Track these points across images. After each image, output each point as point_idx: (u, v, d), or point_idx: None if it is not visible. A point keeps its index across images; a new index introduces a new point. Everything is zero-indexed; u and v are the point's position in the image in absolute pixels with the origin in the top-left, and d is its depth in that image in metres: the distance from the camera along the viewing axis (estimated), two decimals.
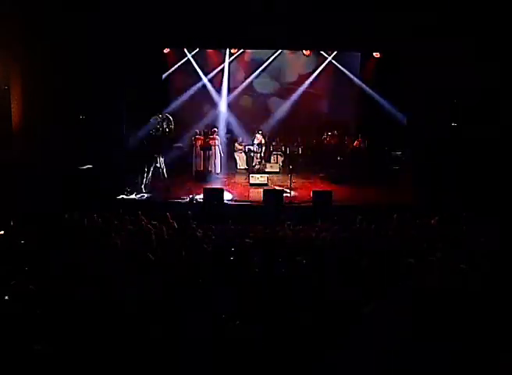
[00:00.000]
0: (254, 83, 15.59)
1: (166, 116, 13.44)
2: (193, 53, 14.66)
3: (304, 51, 14.82)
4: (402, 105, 12.91)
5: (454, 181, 11.46)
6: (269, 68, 15.46)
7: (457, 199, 10.79)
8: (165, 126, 13.28)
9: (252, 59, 15.38)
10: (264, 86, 15.73)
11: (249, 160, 15.03)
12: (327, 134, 15.11)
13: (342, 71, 14.90)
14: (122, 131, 12.10)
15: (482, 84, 10.85)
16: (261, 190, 12.16)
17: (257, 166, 14.69)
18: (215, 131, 14.66)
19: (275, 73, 15.63)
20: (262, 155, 14.87)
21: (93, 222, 8.69)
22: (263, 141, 14.85)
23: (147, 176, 12.91)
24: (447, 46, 10.83)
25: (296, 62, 15.49)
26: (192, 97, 14.85)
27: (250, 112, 15.63)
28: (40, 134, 10.81)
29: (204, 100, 15.22)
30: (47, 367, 3.61)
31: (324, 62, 15.21)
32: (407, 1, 11.02)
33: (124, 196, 12.05)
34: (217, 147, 14.65)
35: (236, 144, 15.41)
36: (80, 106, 11.63)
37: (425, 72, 11.62)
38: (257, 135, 14.85)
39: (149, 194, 12.44)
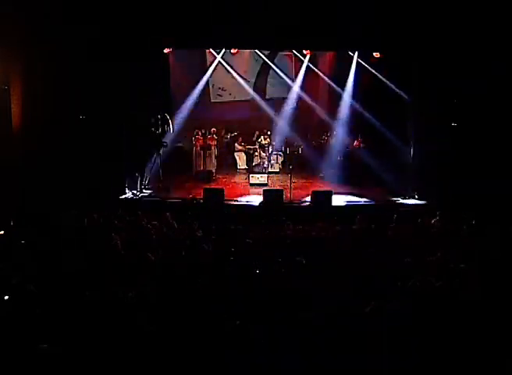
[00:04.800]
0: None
1: (165, 116, 13.44)
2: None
3: (304, 51, 14.81)
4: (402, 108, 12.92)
5: (454, 181, 11.47)
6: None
7: (457, 199, 10.80)
8: (166, 128, 13.29)
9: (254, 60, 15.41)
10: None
11: (249, 160, 15.05)
12: (327, 134, 15.12)
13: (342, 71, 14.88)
14: (121, 131, 12.10)
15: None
16: (261, 190, 12.18)
17: (264, 165, 14.63)
18: (214, 131, 14.66)
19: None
20: (268, 155, 14.88)
21: (93, 222, 8.70)
22: (267, 142, 14.87)
23: (146, 176, 12.92)
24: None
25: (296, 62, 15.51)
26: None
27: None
28: (40, 134, 10.80)
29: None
30: (50, 366, 3.61)
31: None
32: (407, 2, 11.03)
33: (124, 196, 12.05)
34: (215, 147, 14.65)
35: (236, 144, 15.42)
36: (80, 106, 11.62)
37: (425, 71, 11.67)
38: (263, 136, 14.87)
39: (149, 194, 12.44)
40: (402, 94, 12.63)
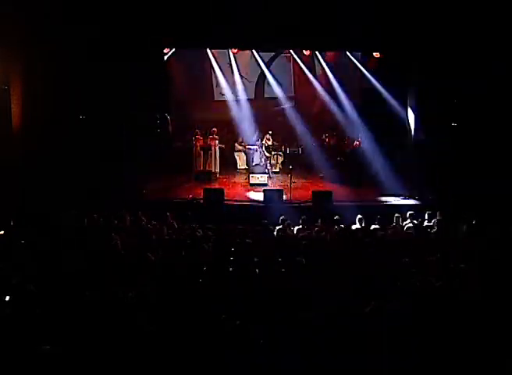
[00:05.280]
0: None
1: (165, 116, 13.42)
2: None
3: (304, 51, 14.80)
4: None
5: (454, 181, 11.47)
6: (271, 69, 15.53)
7: (457, 199, 10.80)
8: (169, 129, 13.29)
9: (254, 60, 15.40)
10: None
11: (249, 160, 15.02)
12: (326, 134, 15.12)
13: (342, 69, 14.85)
14: (121, 131, 12.09)
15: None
16: (261, 190, 12.18)
17: (267, 166, 14.60)
18: (214, 131, 14.63)
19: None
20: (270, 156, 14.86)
21: (93, 222, 8.70)
22: (270, 143, 14.85)
23: (146, 176, 12.89)
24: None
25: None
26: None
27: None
28: (40, 134, 10.80)
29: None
30: (50, 366, 3.61)
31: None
32: (407, 2, 11.03)
33: (124, 196, 12.02)
34: (217, 147, 14.63)
35: (236, 144, 15.40)
36: (80, 106, 11.61)
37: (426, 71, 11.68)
38: (267, 136, 14.84)
39: (149, 194, 12.43)
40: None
